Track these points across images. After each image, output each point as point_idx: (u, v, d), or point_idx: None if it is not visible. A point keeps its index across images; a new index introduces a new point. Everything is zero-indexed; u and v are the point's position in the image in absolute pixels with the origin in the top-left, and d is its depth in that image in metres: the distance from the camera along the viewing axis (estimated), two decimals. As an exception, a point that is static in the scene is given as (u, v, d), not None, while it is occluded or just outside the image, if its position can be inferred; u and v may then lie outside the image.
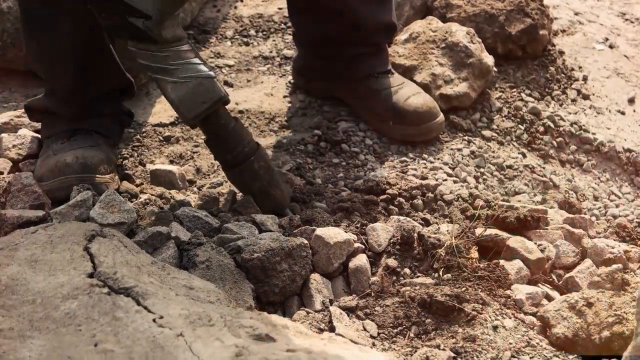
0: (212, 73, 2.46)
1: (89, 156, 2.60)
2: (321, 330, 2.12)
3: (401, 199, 2.81)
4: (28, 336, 1.72)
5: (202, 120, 2.49)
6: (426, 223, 2.72)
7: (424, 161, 3.15)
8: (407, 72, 3.46)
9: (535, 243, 2.53)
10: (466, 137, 3.30)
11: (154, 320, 1.77)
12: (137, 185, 2.78)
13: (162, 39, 2.37)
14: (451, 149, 3.22)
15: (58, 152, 2.65)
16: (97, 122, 2.79)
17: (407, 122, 3.16)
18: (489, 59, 3.45)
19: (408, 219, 2.59)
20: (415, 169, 3.03)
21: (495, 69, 3.52)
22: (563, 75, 3.82)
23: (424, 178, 2.98)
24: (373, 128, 3.25)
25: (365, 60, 3.25)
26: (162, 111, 3.26)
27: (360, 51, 3.24)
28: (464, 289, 2.28)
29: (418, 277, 2.39)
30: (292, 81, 3.57)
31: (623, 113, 3.78)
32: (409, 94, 3.21)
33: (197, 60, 2.44)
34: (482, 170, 3.16)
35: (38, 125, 2.94)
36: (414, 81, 3.44)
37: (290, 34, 3.94)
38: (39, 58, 2.79)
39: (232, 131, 2.54)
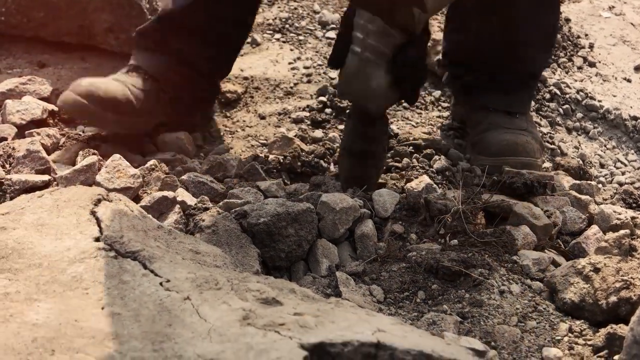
0: None
1: None
2: (327, 296, 2.11)
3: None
4: (35, 299, 1.71)
5: None
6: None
7: (431, 126, 3.14)
8: (409, 37, 3.45)
9: (542, 209, 2.52)
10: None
11: (160, 283, 1.76)
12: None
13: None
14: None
15: None
16: None
17: (487, 153, 2.96)
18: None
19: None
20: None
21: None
22: (569, 42, 3.81)
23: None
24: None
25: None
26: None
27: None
28: (470, 254, 2.27)
29: (424, 242, 2.39)
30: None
31: (629, 80, 3.77)
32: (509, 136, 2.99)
33: None
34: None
35: (43, 93, 2.93)
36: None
37: (295, 1, 3.92)
38: None
39: None
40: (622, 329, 2.01)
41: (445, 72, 3.28)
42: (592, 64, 3.78)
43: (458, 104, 3.27)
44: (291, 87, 3.30)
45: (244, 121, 3.10)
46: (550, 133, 3.32)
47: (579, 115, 3.47)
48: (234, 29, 2.99)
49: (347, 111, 2.53)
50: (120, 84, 2.82)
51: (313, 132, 3.02)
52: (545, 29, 3.04)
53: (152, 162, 2.55)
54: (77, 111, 2.76)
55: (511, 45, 2.95)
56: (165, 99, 2.92)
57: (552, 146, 3.23)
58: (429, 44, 3.35)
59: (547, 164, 3.09)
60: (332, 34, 3.68)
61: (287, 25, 3.76)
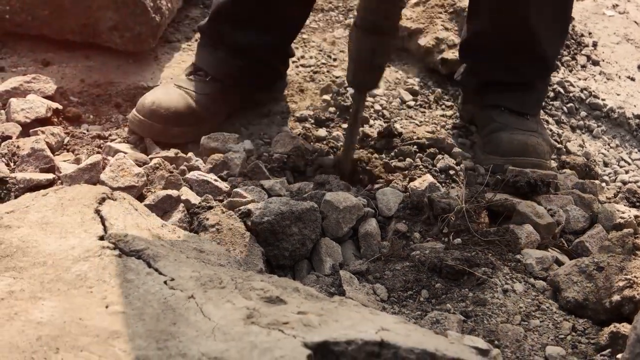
0: None
1: None
2: (331, 294, 2.12)
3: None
4: (39, 297, 1.72)
5: None
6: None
7: (434, 125, 3.14)
8: (412, 35, 3.45)
9: (546, 208, 2.53)
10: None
11: (165, 282, 1.77)
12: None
13: None
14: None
15: None
16: None
17: (497, 152, 2.96)
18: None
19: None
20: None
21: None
22: (573, 41, 3.81)
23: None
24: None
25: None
26: (170, 76, 3.24)
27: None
28: (474, 253, 2.28)
29: (428, 241, 2.39)
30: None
31: (633, 79, 3.77)
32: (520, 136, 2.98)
33: None
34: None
35: (47, 91, 2.94)
36: (418, 45, 3.42)
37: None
38: None
39: None
40: (625, 328, 2.02)
41: (461, 67, 3.28)
42: (595, 63, 3.78)
43: (468, 103, 3.26)
44: (295, 86, 3.30)
45: (247, 119, 3.10)
46: (558, 132, 3.32)
47: (583, 113, 3.47)
48: (288, 12, 3.00)
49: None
50: (182, 93, 2.90)
51: (317, 130, 3.02)
52: (560, 20, 3.04)
53: (156, 161, 2.56)
54: (145, 132, 2.84)
55: (526, 33, 2.94)
56: (229, 97, 2.99)
57: (559, 145, 3.23)
58: (432, 43, 3.37)
59: (553, 163, 3.09)
60: (336, 33, 3.68)
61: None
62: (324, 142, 2.95)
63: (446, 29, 3.48)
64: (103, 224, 1.96)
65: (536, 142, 2.91)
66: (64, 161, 2.52)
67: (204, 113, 2.90)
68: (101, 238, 1.90)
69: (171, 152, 2.68)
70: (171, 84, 2.97)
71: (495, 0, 2.94)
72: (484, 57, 3.10)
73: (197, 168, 2.64)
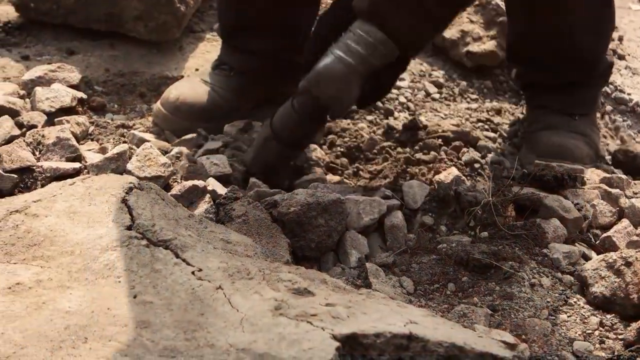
0: None
1: None
2: (357, 287, 2.10)
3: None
4: (67, 287, 1.72)
5: None
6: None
7: (459, 118, 3.13)
8: (437, 28, 3.44)
9: (572, 202, 2.51)
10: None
11: (192, 272, 1.77)
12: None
13: None
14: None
15: None
16: None
17: (534, 152, 2.92)
18: (522, 18, 3.41)
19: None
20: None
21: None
22: (599, 35, 3.78)
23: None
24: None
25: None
26: (195, 66, 3.24)
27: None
28: (500, 246, 2.26)
29: (454, 234, 2.38)
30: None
31: (659, 74, 3.74)
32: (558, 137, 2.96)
33: None
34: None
35: (72, 80, 2.94)
36: (443, 37, 3.41)
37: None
38: None
39: None
40: (653, 324, 2.01)
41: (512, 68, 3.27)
42: (621, 57, 3.75)
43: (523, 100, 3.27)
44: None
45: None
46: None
47: (608, 108, 3.45)
48: (294, 14, 2.99)
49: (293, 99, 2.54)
50: (207, 88, 2.91)
51: (341, 122, 3.01)
52: (603, 21, 3.00)
53: (177, 150, 2.55)
54: (168, 126, 2.85)
55: (568, 33, 2.92)
56: (254, 90, 2.98)
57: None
58: (457, 35, 3.36)
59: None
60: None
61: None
62: (347, 132, 2.94)
63: (471, 21, 3.46)
64: (130, 214, 1.96)
65: (575, 145, 2.88)
66: (89, 150, 2.52)
67: (228, 108, 2.90)
68: (129, 228, 1.90)
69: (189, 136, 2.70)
70: (197, 78, 2.96)
71: (531, 3, 2.92)
72: (525, 60, 3.08)
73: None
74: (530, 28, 2.96)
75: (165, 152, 2.56)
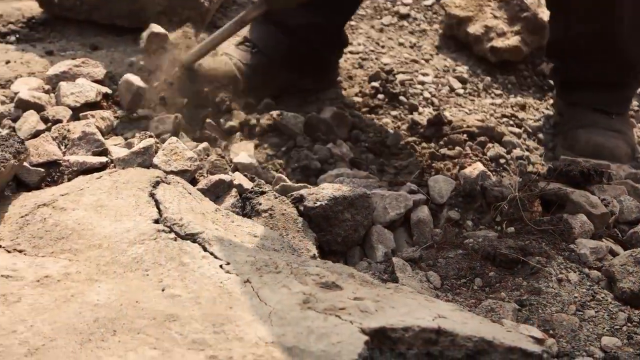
0: None
1: None
2: (384, 281, 2.10)
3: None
4: (95, 280, 1.72)
5: None
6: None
7: (484, 113, 3.12)
8: (461, 23, 3.43)
9: (599, 197, 2.50)
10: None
11: (220, 266, 1.77)
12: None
13: None
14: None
15: None
16: None
17: (572, 150, 2.96)
18: (546, 15, 3.40)
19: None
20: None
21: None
22: None
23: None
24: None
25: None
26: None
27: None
28: (527, 242, 2.25)
29: (481, 229, 2.38)
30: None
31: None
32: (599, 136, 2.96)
33: None
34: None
35: (96, 75, 2.94)
36: (467, 32, 3.40)
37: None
38: None
39: None
40: (682, 319, 2.00)
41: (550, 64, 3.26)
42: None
43: (558, 97, 3.26)
44: (344, 73, 3.28)
45: (296, 103, 3.09)
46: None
47: (635, 103, 3.44)
48: None
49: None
50: (226, 59, 2.94)
51: (365, 117, 3.01)
52: None
53: (204, 145, 2.56)
54: (185, 91, 2.87)
55: (611, 35, 2.91)
56: (273, 73, 3.00)
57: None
58: (481, 31, 3.34)
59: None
60: (384, 20, 3.66)
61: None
62: (372, 128, 2.94)
63: (495, 17, 3.45)
64: (158, 208, 1.96)
65: (614, 144, 2.89)
66: (114, 145, 2.52)
67: (245, 82, 2.92)
68: (156, 221, 1.91)
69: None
70: (218, 52, 2.98)
71: (579, 4, 2.90)
72: (567, 58, 3.07)
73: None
74: (574, 27, 2.95)
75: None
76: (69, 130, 2.47)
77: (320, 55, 3.09)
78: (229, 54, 2.95)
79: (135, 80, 2.83)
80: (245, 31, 3.05)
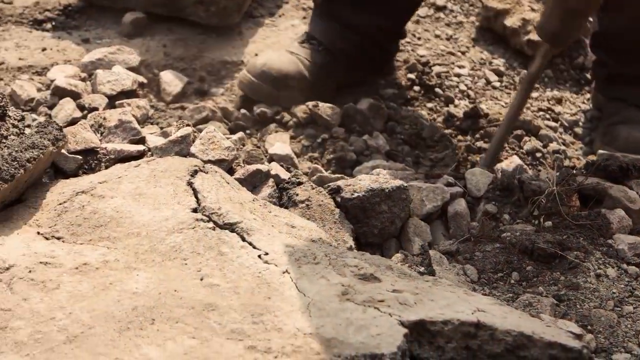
0: None
1: None
2: (420, 274, 2.09)
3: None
4: (134, 268, 1.72)
5: None
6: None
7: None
8: (498, 16, 3.41)
9: (637, 193, 2.48)
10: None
11: (259, 256, 1.77)
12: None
13: None
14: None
15: None
16: None
17: (613, 145, 2.90)
18: (584, 8, 3.37)
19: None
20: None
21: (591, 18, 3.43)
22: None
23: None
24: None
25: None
26: (255, 51, 3.24)
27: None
28: (565, 236, 2.24)
29: (518, 223, 2.36)
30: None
31: None
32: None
33: None
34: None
35: (131, 62, 2.95)
36: (504, 25, 3.39)
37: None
38: None
39: None
40: None
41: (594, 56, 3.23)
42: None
43: (598, 91, 3.22)
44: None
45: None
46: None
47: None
48: None
49: None
50: (294, 58, 2.94)
51: (401, 109, 3.00)
52: None
53: (240, 135, 2.56)
54: (253, 92, 2.92)
55: None
56: (339, 70, 3.01)
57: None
58: (518, 24, 3.32)
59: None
60: (421, 12, 3.64)
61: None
62: (408, 120, 2.93)
63: (532, 10, 3.43)
64: (196, 197, 1.96)
65: None
66: (150, 134, 2.52)
67: (313, 81, 2.93)
68: (194, 210, 1.91)
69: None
70: (283, 49, 3.01)
71: None
72: (614, 51, 3.04)
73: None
74: (622, 21, 2.93)
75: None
76: (105, 119, 2.48)
77: (383, 50, 3.10)
78: (295, 53, 2.96)
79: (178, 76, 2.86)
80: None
